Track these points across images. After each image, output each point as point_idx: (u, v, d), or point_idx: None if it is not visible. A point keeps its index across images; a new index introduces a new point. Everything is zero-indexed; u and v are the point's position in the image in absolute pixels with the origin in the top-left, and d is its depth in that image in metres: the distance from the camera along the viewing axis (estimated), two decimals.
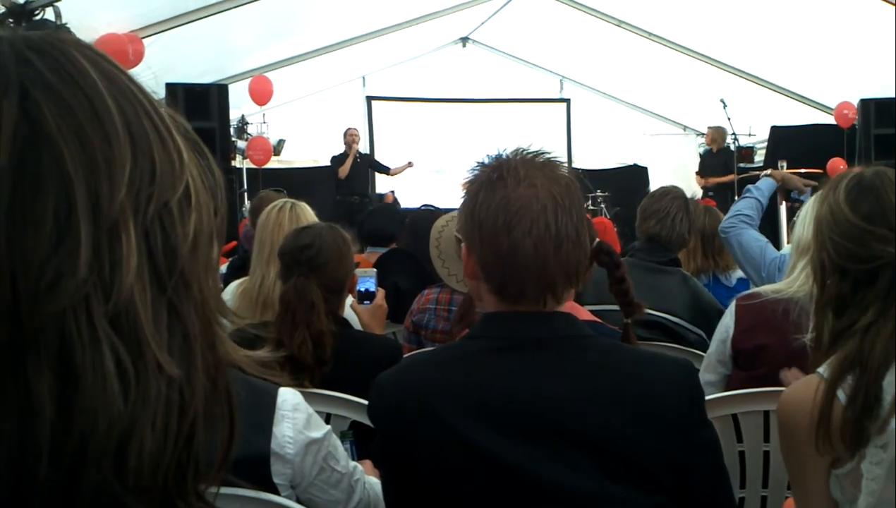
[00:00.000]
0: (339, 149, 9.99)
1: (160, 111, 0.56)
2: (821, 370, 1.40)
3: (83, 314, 0.48)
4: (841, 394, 1.34)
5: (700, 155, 11.08)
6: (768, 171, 3.22)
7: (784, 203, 3.39)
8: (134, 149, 0.52)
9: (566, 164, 1.41)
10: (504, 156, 1.38)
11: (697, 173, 10.44)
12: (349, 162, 9.76)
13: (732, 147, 9.88)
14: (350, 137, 9.98)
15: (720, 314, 2.73)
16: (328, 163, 10.07)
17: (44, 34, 0.54)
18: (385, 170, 10.67)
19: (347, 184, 9.79)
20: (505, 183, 1.33)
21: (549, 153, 1.41)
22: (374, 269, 2.84)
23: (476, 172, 1.39)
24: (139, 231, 0.51)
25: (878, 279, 1.39)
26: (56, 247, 0.48)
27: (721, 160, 9.97)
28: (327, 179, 10.02)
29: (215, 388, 0.56)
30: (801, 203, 3.12)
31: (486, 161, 1.40)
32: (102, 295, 0.49)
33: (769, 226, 2.94)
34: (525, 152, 1.39)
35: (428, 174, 11.64)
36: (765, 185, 2.95)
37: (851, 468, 1.34)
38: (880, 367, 1.33)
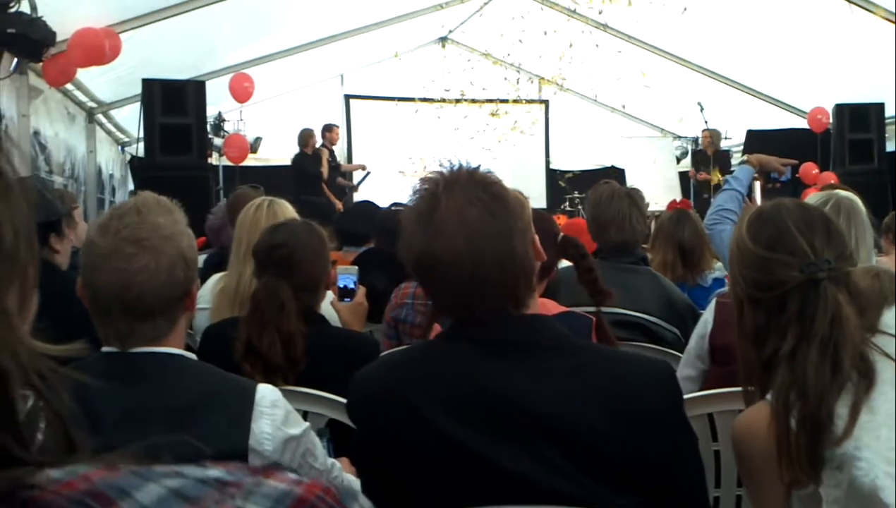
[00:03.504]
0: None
1: None
2: (769, 396, 1.42)
3: None
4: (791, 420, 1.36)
5: (692, 152, 11.15)
6: (745, 157, 3.23)
7: (759, 184, 3.39)
8: None
9: (501, 180, 1.40)
10: (442, 172, 1.38)
11: (693, 168, 10.52)
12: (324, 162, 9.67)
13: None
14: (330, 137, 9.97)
15: (692, 310, 2.75)
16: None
17: None
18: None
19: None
20: (433, 197, 1.33)
21: (480, 168, 1.39)
22: (356, 267, 2.83)
23: (417, 189, 1.39)
24: None
25: (787, 304, 1.42)
26: None
27: (718, 162, 10.06)
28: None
29: None
30: (781, 183, 3.14)
31: (430, 175, 1.39)
32: None
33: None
34: (464, 168, 1.38)
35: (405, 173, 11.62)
36: (742, 174, 2.95)
37: (812, 490, 1.35)
38: (822, 394, 1.34)
